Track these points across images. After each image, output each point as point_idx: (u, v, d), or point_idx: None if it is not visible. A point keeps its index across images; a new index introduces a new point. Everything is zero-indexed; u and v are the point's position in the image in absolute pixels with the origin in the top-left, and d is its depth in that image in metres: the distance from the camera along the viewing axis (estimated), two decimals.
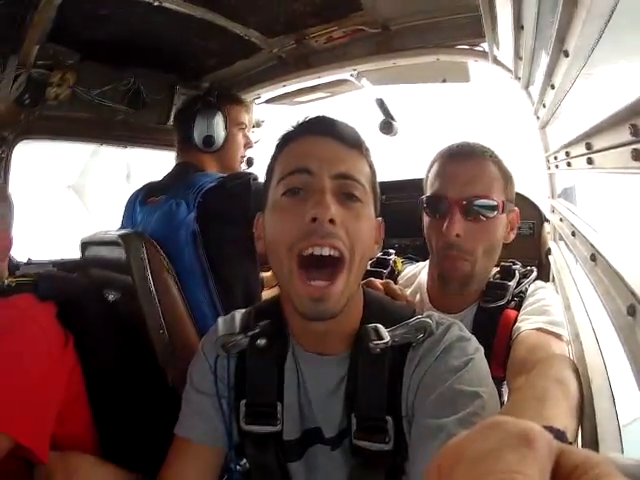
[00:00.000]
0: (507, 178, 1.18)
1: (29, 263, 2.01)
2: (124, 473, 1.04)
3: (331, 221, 0.78)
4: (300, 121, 0.92)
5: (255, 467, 0.94)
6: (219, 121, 1.81)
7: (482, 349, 0.84)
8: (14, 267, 1.79)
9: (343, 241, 0.80)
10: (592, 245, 0.94)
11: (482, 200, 1.12)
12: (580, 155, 0.99)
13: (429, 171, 1.24)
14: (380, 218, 0.94)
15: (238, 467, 0.98)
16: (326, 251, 0.79)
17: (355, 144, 0.87)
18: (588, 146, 0.91)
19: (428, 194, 1.20)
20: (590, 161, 0.91)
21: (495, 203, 1.13)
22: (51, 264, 2.05)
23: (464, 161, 1.17)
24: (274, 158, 0.91)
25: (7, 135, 1.86)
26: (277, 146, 0.92)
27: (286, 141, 0.90)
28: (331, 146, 0.85)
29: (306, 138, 0.88)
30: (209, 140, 1.76)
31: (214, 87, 2.16)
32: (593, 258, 0.92)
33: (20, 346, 0.98)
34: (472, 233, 1.12)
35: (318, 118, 0.91)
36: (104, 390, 1.18)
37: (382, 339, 0.83)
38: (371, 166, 0.90)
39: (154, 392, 1.30)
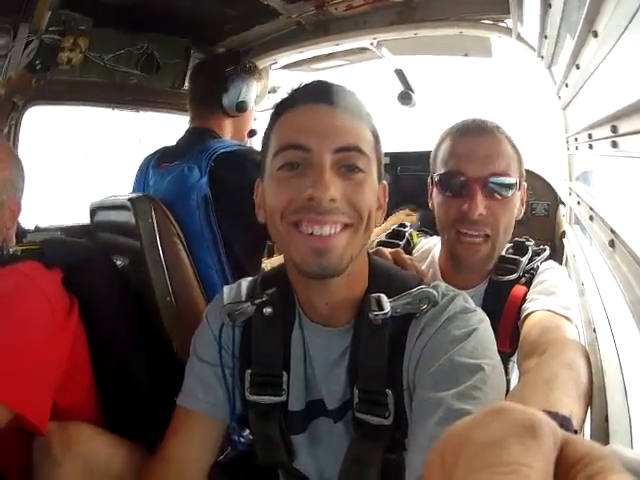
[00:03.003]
0: (519, 155, 1.17)
1: (37, 230, 2.00)
2: (125, 443, 1.03)
3: (331, 200, 0.76)
4: (295, 88, 0.87)
5: (258, 438, 0.94)
6: (253, 89, 1.79)
7: (488, 321, 0.82)
8: (22, 234, 1.78)
9: (345, 213, 0.78)
10: (612, 230, 0.92)
11: (501, 178, 1.10)
12: (604, 138, 0.96)
13: (439, 147, 1.21)
14: (384, 182, 0.90)
15: (241, 439, 0.99)
16: (327, 230, 0.77)
17: (356, 110, 0.83)
18: (614, 129, 0.87)
19: (442, 171, 1.16)
20: (615, 144, 0.88)
21: (514, 181, 1.12)
22: (59, 230, 2.05)
23: (481, 137, 1.14)
24: (270, 127, 0.87)
25: (17, 101, 1.85)
26: (273, 115, 0.87)
27: (282, 110, 0.85)
28: (330, 116, 0.80)
29: (302, 107, 0.83)
30: (242, 106, 1.73)
31: (243, 53, 2.14)
32: (612, 244, 0.90)
33: (22, 313, 0.97)
34: (493, 211, 1.11)
35: (314, 84, 0.86)
36: (108, 357, 1.18)
37: (383, 310, 0.81)
38: (373, 132, 0.85)
39: (159, 360, 1.31)
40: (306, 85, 0.86)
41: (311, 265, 0.79)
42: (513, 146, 1.16)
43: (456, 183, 1.13)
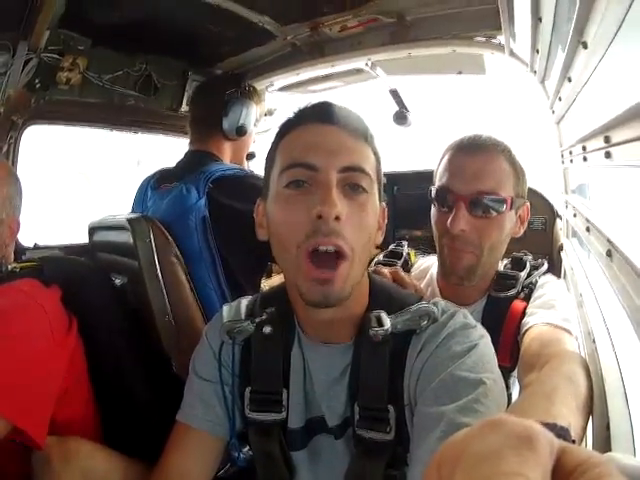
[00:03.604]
0: (519, 173, 1.17)
1: (36, 248, 2.00)
2: (124, 459, 1.03)
3: (336, 218, 0.77)
4: (302, 107, 0.89)
5: (258, 455, 0.94)
6: (253, 112, 1.81)
7: (488, 336, 0.82)
8: (20, 251, 1.80)
9: (346, 239, 0.78)
10: (608, 240, 0.92)
11: (489, 196, 1.11)
12: (597, 149, 0.97)
13: (440, 162, 1.23)
14: (384, 203, 0.91)
15: (241, 455, 0.98)
16: (330, 248, 0.78)
17: (360, 132, 0.84)
18: (606, 139, 0.88)
19: (436, 186, 1.19)
20: (608, 155, 0.88)
21: (502, 200, 1.12)
22: (58, 249, 2.05)
23: (473, 154, 1.15)
24: (275, 145, 0.88)
25: (16, 120, 1.86)
26: (278, 134, 0.89)
27: (288, 129, 0.87)
28: (336, 136, 0.82)
29: (309, 127, 0.84)
30: (241, 129, 1.75)
31: (243, 76, 2.17)
32: (609, 254, 0.90)
33: (21, 329, 0.97)
34: (477, 228, 1.12)
35: (321, 105, 0.87)
36: (106, 374, 1.18)
37: (383, 326, 0.81)
38: (376, 153, 0.87)
39: (158, 378, 1.30)
40: (312, 105, 0.88)
41: (315, 294, 0.79)
42: (513, 164, 1.16)
43: (445, 198, 1.15)
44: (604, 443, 0.67)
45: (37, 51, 1.69)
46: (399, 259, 1.40)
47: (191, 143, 1.79)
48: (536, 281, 1.19)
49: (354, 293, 0.83)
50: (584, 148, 1.14)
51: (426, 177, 1.31)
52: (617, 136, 0.83)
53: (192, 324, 1.42)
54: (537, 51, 1.27)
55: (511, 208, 1.14)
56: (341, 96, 2.55)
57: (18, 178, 1.22)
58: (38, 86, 1.78)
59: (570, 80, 1.10)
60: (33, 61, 1.71)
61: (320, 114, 0.85)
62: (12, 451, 0.97)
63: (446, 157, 1.20)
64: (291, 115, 0.89)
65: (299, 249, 0.79)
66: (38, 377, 0.96)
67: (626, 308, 0.75)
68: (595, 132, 0.98)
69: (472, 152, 1.15)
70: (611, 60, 0.79)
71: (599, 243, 1.01)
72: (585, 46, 0.86)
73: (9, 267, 1.12)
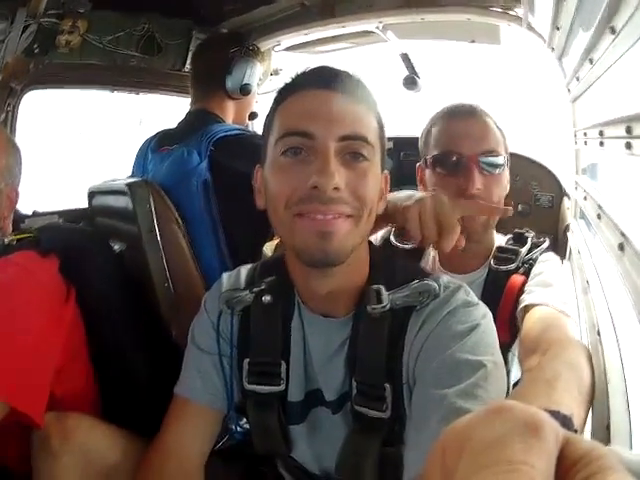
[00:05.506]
0: (504, 135, 1.23)
1: (34, 215, 1.97)
2: (123, 433, 1.03)
3: (335, 189, 0.75)
4: (300, 72, 0.85)
5: (256, 428, 0.94)
6: (257, 71, 1.76)
7: (490, 315, 0.81)
8: (19, 219, 1.78)
9: (348, 203, 0.77)
10: (622, 233, 0.90)
11: (493, 155, 1.17)
12: (617, 137, 0.94)
13: (429, 131, 1.25)
14: (386, 171, 0.88)
15: (238, 428, 0.99)
16: (329, 218, 0.76)
17: (362, 98, 0.81)
18: (628, 130, 0.85)
19: (436, 152, 1.20)
20: (629, 146, 0.85)
21: (503, 157, 1.20)
22: (57, 215, 2.02)
23: (471, 118, 1.20)
24: (273, 111, 0.85)
25: (14, 86, 1.80)
26: (276, 99, 0.85)
27: (285, 94, 0.83)
28: (335, 103, 0.78)
29: (307, 92, 0.81)
30: (246, 88, 1.71)
31: (246, 34, 2.08)
32: (621, 247, 0.88)
33: (17, 305, 0.95)
34: (487, 187, 1.16)
35: (320, 69, 0.84)
36: (105, 345, 1.17)
37: (382, 302, 0.80)
38: (378, 119, 0.84)
39: (157, 347, 1.29)
40: (311, 70, 0.84)
41: (314, 250, 0.77)
42: (498, 128, 1.22)
43: (451, 162, 1.17)
44: (603, 436, 0.68)
45: (36, 16, 1.62)
46: None
47: (193, 102, 1.74)
48: (536, 257, 1.19)
49: (354, 262, 0.82)
50: (601, 133, 1.11)
51: None
52: None
53: (192, 291, 1.40)
54: (557, 28, 1.22)
55: (507, 166, 1.22)
56: (350, 58, 2.48)
57: (17, 147, 1.18)
58: (37, 51, 1.72)
59: (591, 62, 1.06)
60: (32, 27, 1.65)
61: (319, 79, 0.81)
62: (11, 432, 0.97)
63: (440, 124, 1.23)
64: (289, 80, 0.86)
65: (287, 209, 0.78)
66: (35, 355, 0.95)
67: (636, 308, 0.74)
68: (616, 120, 0.95)
69: (468, 116, 1.20)
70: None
71: (611, 234, 0.99)
72: (613, 31, 0.82)
73: (5, 240, 1.10)
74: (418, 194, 0.99)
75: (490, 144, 1.17)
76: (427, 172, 1.23)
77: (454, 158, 1.16)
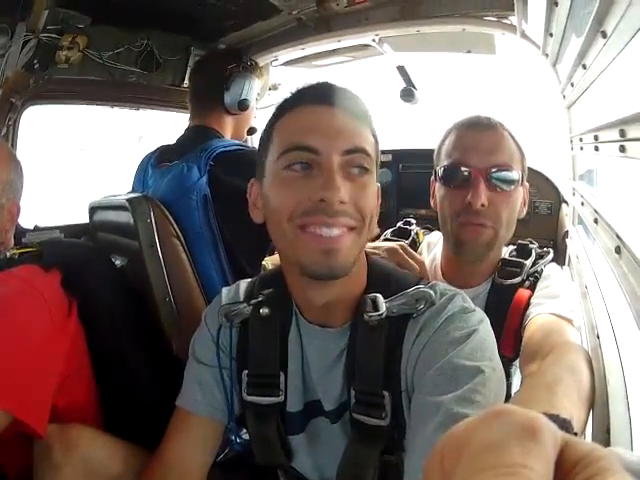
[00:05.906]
0: (522, 152, 1.17)
1: (36, 229, 1.98)
2: (125, 445, 1.03)
3: (341, 202, 0.76)
4: (300, 88, 0.86)
5: (255, 439, 0.95)
6: (255, 86, 1.77)
7: (487, 321, 0.81)
8: (20, 233, 1.79)
9: (352, 215, 0.78)
10: (618, 237, 0.90)
11: (504, 170, 1.11)
12: (611, 141, 0.94)
13: (443, 142, 1.21)
14: (377, 183, 0.89)
15: (238, 439, 0.99)
16: (335, 232, 0.77)
17: (359, 112, 0.83)
18: (622, 133, 0.86)
19: (446, 163, 1.16)
20: (623, 149, 0.86)
21: (516, 174, 1.12)
22: (58, 229, 2.03)
23: (484, 131, 1.15)
24: (272, 126, 0.86)
25: (15, 101, 1.82)
26: (275, 114, 0.87)
27: (285, 109, 0.85)
28: (336, 118, 0.80)
29: (307, 108, 0.82)
30: (244, 103, 1.71)
31: (244, 49, 2.11)
32: (618, 250, 0.88)
33: (20, 318, 0.95)
34: (494, 203, 1.11)
35: (320, 85, 0.85)
36: (107, 358, 1.17)
37: (378, 310, 0.81)
38: (374, 133, 0.86)
39: (158, 360, 1.30)
40: (309, 86, 0.86)
41: (319, 266, 0.78)
42: (516, 143, 1.16)
43: (460, 174, 1.13)
44: (604, 438, 0.68)
45: (36, 32, 1.65)
46: (407, 238, 1.39)
47: (191, 118, 1.75)
48: (541, 270, 1.17)
49: (353, 273, 0.83)
50: (596, 137, 1.12)
51: (432, 155, 1.28)
52: (634, 132, 0.81)
53: (193, 305, 1.40)
54: (550, 35, 1.23)
55: (521, 184, 1.15)
56: (347, 71, 2.50)
57: (18, 161, 1.20)
58: (37, 66, 1.74)
59: (585, 67, 1.07)
60: (32, 42, 1.67)
61: (318, 95, 0.83)
62: (13, 442, 0.97)
63: (453, 136, 1.19)
64: (288, 95, 0.87)
65: (290, 222, 0.79)
66: (37, 367, 0.95)
67: (634, 310, 0.74)
68: (610, 124, 0.95)
69: (482, 129, 1.15)
70: (632, 53, 0.76)
71: (607, 238, 0.99)
72: (604, 35, 0.83)
73: (7, 254, 1.11)
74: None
75: (503, 158, 1.11)
76: (437, 185, 1.21)
77: (462, 171, 1.12)
